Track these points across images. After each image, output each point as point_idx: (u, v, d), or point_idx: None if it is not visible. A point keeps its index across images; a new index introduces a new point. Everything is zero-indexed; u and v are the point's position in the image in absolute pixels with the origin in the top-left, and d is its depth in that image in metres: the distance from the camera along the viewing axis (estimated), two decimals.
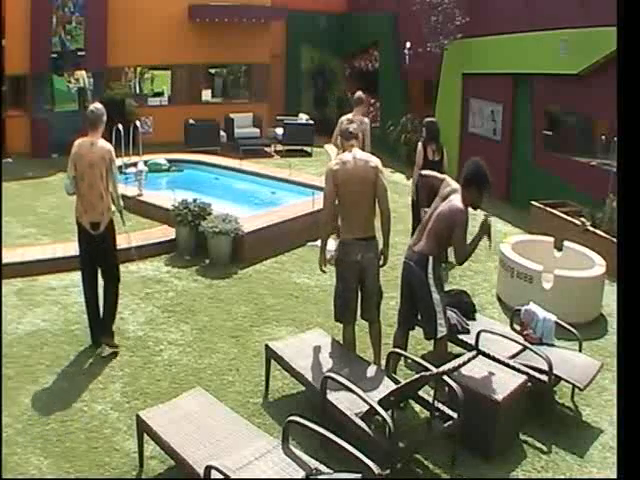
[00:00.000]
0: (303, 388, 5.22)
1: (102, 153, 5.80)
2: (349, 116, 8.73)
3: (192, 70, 16.00)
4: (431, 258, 5.19)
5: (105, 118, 5.96)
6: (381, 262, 5.60)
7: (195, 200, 8.53)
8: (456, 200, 5.13)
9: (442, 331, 5.24)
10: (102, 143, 5.85)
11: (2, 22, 12.78)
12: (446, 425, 4.55)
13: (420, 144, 8.55)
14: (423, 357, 5.68)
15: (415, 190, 8.38)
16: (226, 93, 17.14)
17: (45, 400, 5.18)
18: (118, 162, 11.93)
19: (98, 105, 6.04)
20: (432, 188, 5.53)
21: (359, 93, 9.42)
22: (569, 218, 9.17)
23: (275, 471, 3.86)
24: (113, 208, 5.97)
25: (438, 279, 5.25)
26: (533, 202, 10.05)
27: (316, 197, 9.62)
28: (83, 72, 14.25)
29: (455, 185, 5.28)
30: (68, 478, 4.38)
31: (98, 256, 5.97)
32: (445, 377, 4.51)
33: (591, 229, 8.67)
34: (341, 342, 5.80)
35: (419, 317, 5.48)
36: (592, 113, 10.58)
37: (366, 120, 9.06)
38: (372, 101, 16.86)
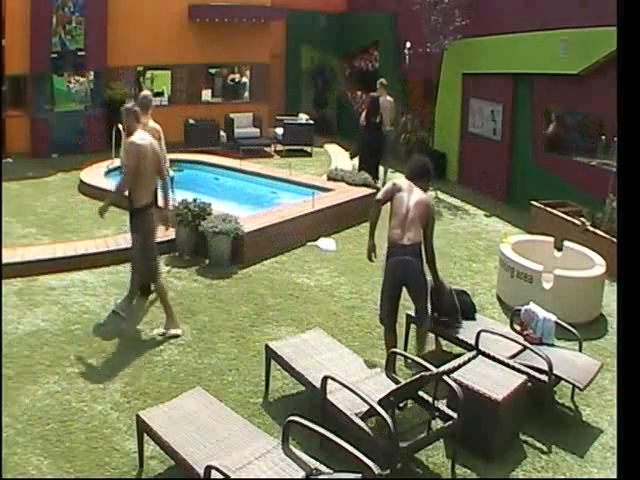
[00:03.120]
0: (303, 388, 5.22)
1: (151, 132, 6.70)
2: (375, 94, 12.07)
3: (192, 70, 16.01)
4: (421, 245, 5.52)
5: (154, 103, 7.27)
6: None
7: (195, 200, 8.53)
8: (425, 197, 5.63)
9: (428, 316, 5.68)
10: (151, 124, 7.01)
11: (2, 22, 12.78)
12: (446, 425, 4.55)
13: (365, 112, 11.83)
14: (423, 357, 5.68)
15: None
16: (226, 93, 17.12)
17: (45, 400, 5.18)
18: (118, 162, 12.02)
19: (148, 92, 7.53)
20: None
21: (382, 80, 12.76)
22: (569, 218, 9.17)
23: (275, 471, 3.86)
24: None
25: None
26: (533, 202, 10.05)
27: (316, 197, 9.64)
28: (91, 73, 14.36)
29: (407, 182, 5.71)
30: (68, 478, 4.38)
31: None
32: (445, 377, 4.51)
33: (591, 229, 8.66)
34: (341, 342, 5.81)
35: (415, 308, 5.71)
36: (592, 113, 10.58)
37: (389, 98, 12.44)
38: None
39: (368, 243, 5.83)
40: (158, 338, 6.23)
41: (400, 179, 5.85)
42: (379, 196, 5.80)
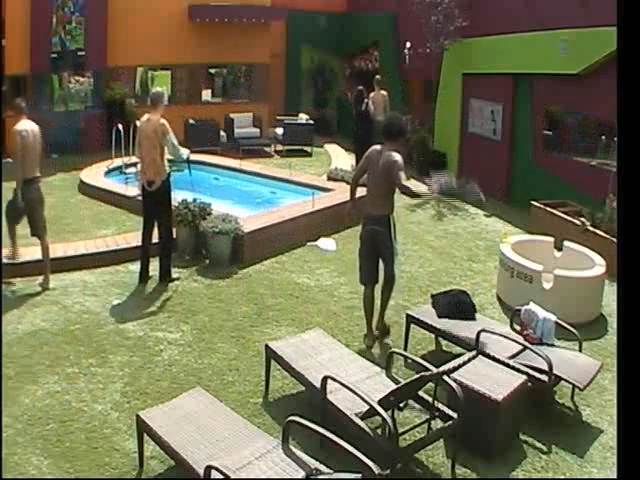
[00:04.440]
0: (303, 388, 5.22)
1: (154, 127, 7.11)
2: (361, 87, 13.09)
3: (192, 70, 16.01)
4: (390, 216, 6.05)
5: (165, 100, 7.48)
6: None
7: (195, 200, 8.54)
8: (387, 155, 5.94)
9: (395, 276, 6.23)
10: (156, 119, 7.13)
11: (2, 22, 12.78)
12: (446, 425, 4.55)
13: (353, 104, 13.06)
14: (423, 357, 5.69)
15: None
16: (226, 93, 17.15)
17: (45, 400, 5.18)
18: (118, 162, 12.02)
19: (159, 89, 7.82)
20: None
21: (378, 76, 14.22)
22: (569, 218, 9.17)
23: (275, 471, 3.86)
24: (168, 170, 7.30)
25: (394, 233, 6.09)
26: (533, 202, 10.05)
27: (316, 197, 9.65)
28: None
29: (378, 148, 6.11)
30: (68, 478, 4.38)
31: (154, 207, 7.36)
32: (445, 377, 4.51)
33: (591, 229, 8.66)
34: (341, 342, 5.82)
35: (382, 262, 6.21)
36: (592, 113, 10.58)
37: (382, 92, 13.79)
38: None
39: (347, 204, 6.68)
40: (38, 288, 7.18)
41: (372, 148, 6.21)
42: (353, 176, 6.61)
